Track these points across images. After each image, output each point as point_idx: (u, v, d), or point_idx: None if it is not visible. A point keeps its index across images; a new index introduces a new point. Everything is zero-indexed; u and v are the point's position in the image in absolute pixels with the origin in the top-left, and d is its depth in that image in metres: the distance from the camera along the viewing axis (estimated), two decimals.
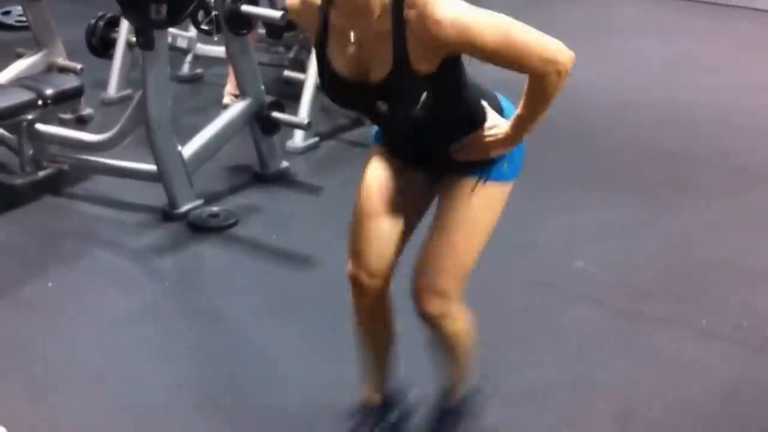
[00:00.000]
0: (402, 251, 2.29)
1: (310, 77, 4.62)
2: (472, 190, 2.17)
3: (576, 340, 3.02)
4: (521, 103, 2.07)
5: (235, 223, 3.80)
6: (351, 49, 2.03)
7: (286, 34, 5.12)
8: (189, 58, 5.51)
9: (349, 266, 2.27)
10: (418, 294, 2.22)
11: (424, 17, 1.90)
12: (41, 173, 4.08)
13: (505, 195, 2.24)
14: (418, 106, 2.00)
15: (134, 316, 3.18)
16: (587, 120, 5.08)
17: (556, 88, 1.99)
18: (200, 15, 4.11)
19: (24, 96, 3.97)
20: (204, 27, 4.01)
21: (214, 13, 3.92)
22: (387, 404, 2.50)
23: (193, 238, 3.72)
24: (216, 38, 4.29)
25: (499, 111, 2.19)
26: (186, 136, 3.98)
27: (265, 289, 3.37)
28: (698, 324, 3.12)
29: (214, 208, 3.89)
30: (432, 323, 2.25)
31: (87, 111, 4.80)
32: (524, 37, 1.94)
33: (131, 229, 3.79)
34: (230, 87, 4.93)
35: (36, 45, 4.80)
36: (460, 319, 2.28)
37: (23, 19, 5.37)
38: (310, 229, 3.83)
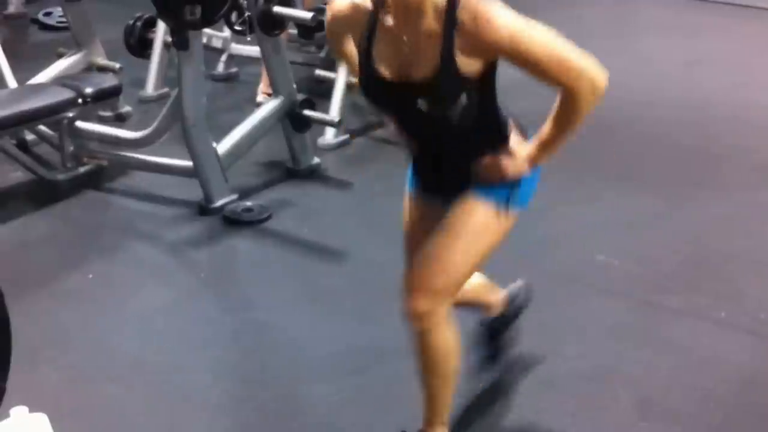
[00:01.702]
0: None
1: (341, 76, 4.67)
2: (480, 206, 2.21)
3: (597, 330, 3.04)
4: (547, 123, 2.12)
5: (268, 218, 3.86)
6: (400, 48, 2.08)
7: (318, 34, 5.19)
8: (224, 57, 5.54)
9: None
10: (407, 288, 2.22)
11: (477, 18, 1.98)
12: (82, 169, 4.17)
13: (510, 223, 2.26)
14: (456, 106, 2.07)
15: (171, 307, 3.24)
16: (608, 117, 5.03)
17: (587, 105, 2.04)
18: (233, 16, 4.19)
19: (65, 95, 4.04)
20: (237, 27, 4.07)
21: (247, 14, 3.97)
22: None
23: (228, 231, 3.78)
24: (249, 38, 4.35)
25: (523, 134, 2.25)
26: (221, 133, 4.05)
27: (296, 280, 3.43)
28: (716, 315, 3.14)
29: (248, 203, 3.94)
30: (416, 324, 2.23)
31: (125, 109, 4.84)
32: (568, 51, 2.01)
33: (168, 223, 3.85)
34: (263, 86, 4.97)
35: (76, 45, 4.85)
36: (443, 333, 2.24)
37: (64, 19, 5.44)
38: (340, 223, 3.88)
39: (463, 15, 1.99)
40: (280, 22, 4.12)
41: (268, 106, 4.21)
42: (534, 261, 3.37)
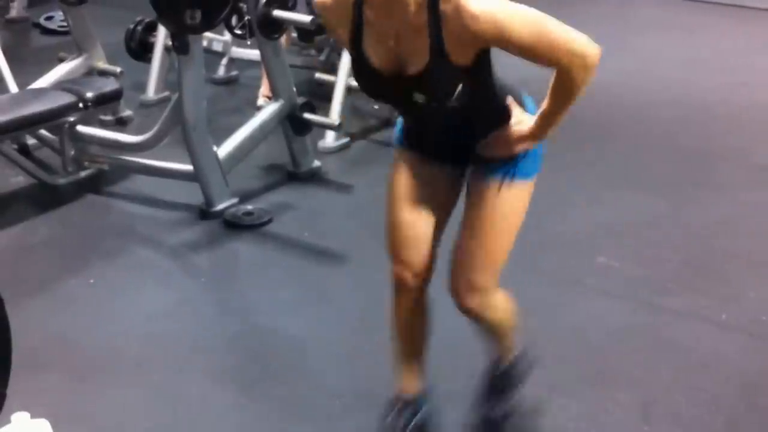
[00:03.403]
0: (439, 246, 2.33)
1: (341, 79, 4.66)
2: (498, 191, 2.21)
3: (598, 333, 3.04)
4: (547, 99, 2.09)
5: (268, 221, 3.86)
6: (388, 43, 2.04)
7: (318, 37, 5.20)
8: (224, 61, 5.56)
9: (394, 268, 2.31)
10: (457, 292, 2.29)
11: (460, 11, 1.92)
12: (83, 173, 4.17)
13: (529, 192, 2.27)
14: (454, 98, 2.04)
15: (172, 310, 3.24)
16: (607, 117, 5.09)
17: (582, 81, 2.02)
18: (234, 20, 4.19)
19: (66, 99, 4.04)
20: (237, 31, 4.07)
21: (247, 17, 3.98)
22: (420, 396, 2.49)
23: (229, 235, 3.78)
24: (249, 42, 4.35)
25: (523, 107, 2.22)
26: (221, 137, 4.05)
27: (297, 283, 3.42)
28: (718, 317, 3.14)
29: (249, 206, 3.95)
30: (474, 317, 2.33)
31: (126, 113, 4.86)
32: (555, 32, 1.97)
33: (169, 227, 3.85)
34: (264, 89, 4.98)
35: (77, 49, 4.89)
36: (500, 307, 2.36)
37: (65, 24, 5.46)
38: (340, 227, 3.88)
39: (445, 7, 1.95)
40: (280, 25, 4.12)
41: (268, 110, 4.22)
42: (534, 263, 3.37)
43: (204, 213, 3.91)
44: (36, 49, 6.47)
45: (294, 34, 5.21)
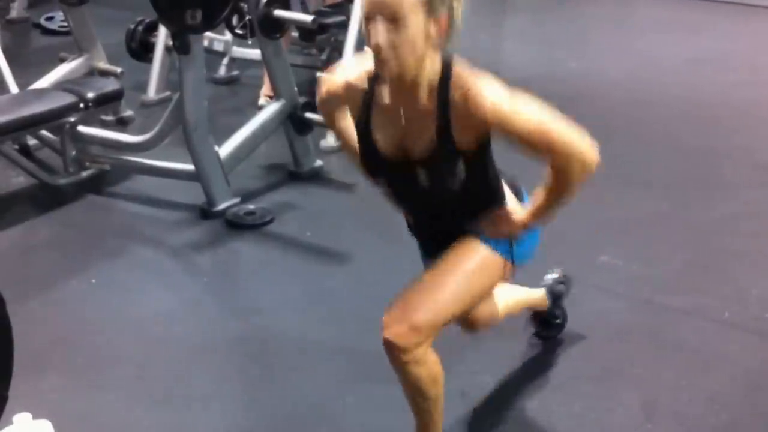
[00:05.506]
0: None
1: None
2: (476, 248, 2.22)
3: (601, 332, 3.03)
4: (541, 192, 2.14)
5: (270, 221, 3.86)
6: (396, 126, 2.12)
7: (319, 37, 5.20)
8: (225, 60, 5.55)
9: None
10: (388, 322, 2.15)
11: (467, 98, 2.01)
12: (84, 173, 4.17)
13: (504, 272, 2.29)
14: (455, 181, 2.11)
15: (174, 311, 3.24)
16: (611, 116, 5.07)
17: (576, 181, 2.07)
18: (234, 19, 4.18)
19: (66, 99, 4.05)
20: (238, 31, 4.06)
21: (247, 17, 3.97)
22: None
23: (231, 235, 3.78)
24: (250, 42, 4.35)
25: (519, 196, 2.29)
26: (223, 137, 4.05)
27: (299, 283, 3.42)
28: (721, 316, 3.13)
29: (251, 206, 3.94)
30: (396, 357, 2.15)
31: (127, 113, 4.86)
32: (558, 129, 2.03)
33: (171, 227, 3.85)
34: (265, 89, 4.98)
35: (78, 49, 4.88)
36: (426, 364, 2.17)
37: (66, 24, 5.46)
38: (342, 226, 3.88)
39: (454, 92, 2.03)
40: (281, 25, 4.12)
41: (269, 109, 4.22)
42: (536, 262, 3.32)
43: (205, 213, 3.90)
44: (36, 49, 6.46)
45: (295, 34, 5.22)
